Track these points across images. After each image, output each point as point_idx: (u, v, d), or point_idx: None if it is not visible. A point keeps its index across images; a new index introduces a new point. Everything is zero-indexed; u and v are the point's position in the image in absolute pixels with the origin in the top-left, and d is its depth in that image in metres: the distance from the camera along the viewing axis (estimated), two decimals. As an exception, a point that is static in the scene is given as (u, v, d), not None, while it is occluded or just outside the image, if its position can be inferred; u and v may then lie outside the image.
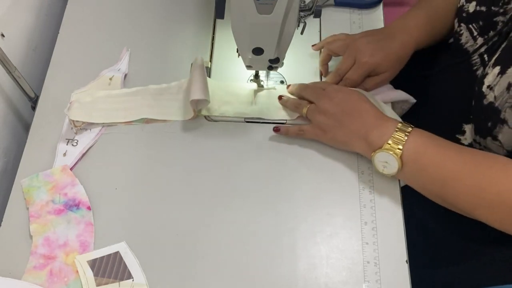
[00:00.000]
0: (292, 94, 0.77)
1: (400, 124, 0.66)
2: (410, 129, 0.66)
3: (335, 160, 0.73)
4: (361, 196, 0.71)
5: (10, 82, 0.78)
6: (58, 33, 0.84)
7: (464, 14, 0.72)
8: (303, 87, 0.76)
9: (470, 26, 0.71)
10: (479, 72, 0.69)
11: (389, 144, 0.65)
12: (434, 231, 0.81)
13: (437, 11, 0.77)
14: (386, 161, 0.66)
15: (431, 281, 0.82)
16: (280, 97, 0.77)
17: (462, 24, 0.73)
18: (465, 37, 0.73)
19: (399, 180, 0.71)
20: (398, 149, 0.65)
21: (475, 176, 0.61)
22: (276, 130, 0.74)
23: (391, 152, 0.65)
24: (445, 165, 0.63)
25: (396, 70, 0.77)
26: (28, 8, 0.85)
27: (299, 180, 0.72)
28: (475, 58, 0.71)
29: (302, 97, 0.76)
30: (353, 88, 0.74)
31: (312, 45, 0.82)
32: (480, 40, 0.70)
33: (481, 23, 0.70)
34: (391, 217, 0.69)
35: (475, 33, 0.71)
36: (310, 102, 0.74)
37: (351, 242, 0.68)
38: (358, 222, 0.69)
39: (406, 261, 0.67)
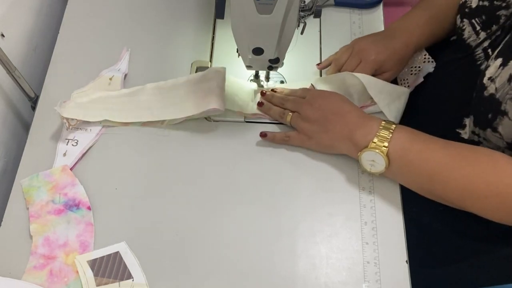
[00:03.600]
0: (275, 105, 0.77)
1: (383, 122, 0.67)
2: (393, 126, 0.67)
3: (335, 160, 0.73)
4: (361, 196, 0.71)
5: (10, 82, 0.78)
6: (58, 33, 0.84)
7: (466, 10, 0.73)
8: (284, 99, 0.76)
9: (473, 21, 0.71)
10: (483, 66, 0.69)
11: (375, 142, 0.66)
12: (434, 231, 0.81)
13: (438, 11, 0.78)
14: (373, 159, 0.67)
15: (431, 281, 0.82)
16: (260, 103, 0.77)
17: (464, 20, 0.73)
18: (467, 32, 0.73)
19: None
20: (384, 146, 0.65)
21: (463, 168, 0.63)
22: (262, 135, 0.75)
23: (377, 151, 0.66)
24: (432, 158, 0.64)
25: (398, 70, 0.78)
26: (28, 8, 0.85)
27: (299, 180, 0.72)
28: (479, 53, 0.71)
29: (285, 108, 0.76)
30: (333, 91, 0.75)
31: (317, 64, 0.82)
32: (482, 35, 0.70)
33: (483, 17, 0.70)
34: (391, 217, 0.69)
35: (478, 28, 0.71)
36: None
37: (351, 242, 0.68)
38: (358, 222, 0.69)
39: (406, 261, 0.67)
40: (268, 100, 0.77)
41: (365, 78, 0.74)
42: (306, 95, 0.74)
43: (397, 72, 0.78)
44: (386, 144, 0.65)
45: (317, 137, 0.72)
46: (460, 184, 0.63)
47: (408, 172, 0.66)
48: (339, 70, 0.78)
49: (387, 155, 0.65)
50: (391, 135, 0.66)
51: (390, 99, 0.74)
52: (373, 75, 0.76)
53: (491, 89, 0.64)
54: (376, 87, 0.74)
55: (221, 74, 0.75)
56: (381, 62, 0.75)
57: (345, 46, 0.80)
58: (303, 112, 0.73)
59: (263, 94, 0.77)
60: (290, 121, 0.74)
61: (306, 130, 0.72)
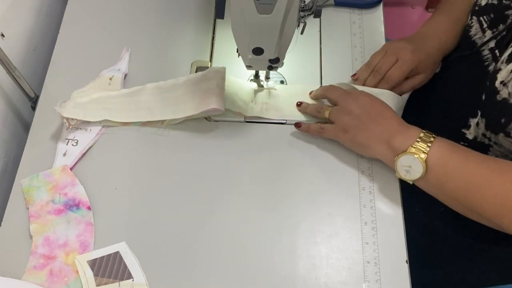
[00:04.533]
0: (315, 98, 0.77)
1: (424, 131, 0.66)
2: (434, 136, 0.65)
3: (335, 160, 0.73)
4: (361, 196, 0.71)
5: (10, 82, 0.78)
6: (58, 33, 0.84)
7: (476, 7, 0.73)
8: (327, 87, 0.76)
9: (481, 18, 0.71)
10: (491, 67, 0.69)
11: (414, 147, 0.64)
12: (434, 231, 0.81)
13: (460, 13, 0.78)
14: (410, 165, 0.65)
15: (431, 281, 0.82)
16: (299, 104, 0.77)
17: (473, 17, 0.73)
18: (474, 29, 0.73)
19: (399, 180, 0.71)
20: (424, 152, 0.64)
21: (501, 184, 0.60)
22: (297, 126, 0.74)
23: (416, 156, 0.64)
24: (472, 171, 0.62)
25: (431, 73, 0.78)
26: (28, 8, 0.85)
27: (299, 180, 0.72)
28: (486, 53, 0.71)
29: (326, 98, 0.76)
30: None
31: (352, 76, 0.80)
32: (488, 33, 0.70)
33: (492, 15, 0.70)
34: (391, 217, 0.69)
35: (485, 25, 0.71)
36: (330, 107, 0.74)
37: (351, 242, 0.68)
38: (358, 222, 0.69)
39: (406, 261, 0.67)
40: (312, 97, 0.77)
41: (383, 92, 0.74)
42: (351, 90, 0.73)
43: (429, 75, 0.78)
44: (426, 150, 0.64)
45: (354, 133, 0.70)
46: (498, 200, 0.60)
47: (445, 182, 0.64)
48: (372, 71, 0.77)
49: (426, 161, 0.63)
50: (431, 144, 0.64)
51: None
52: (407, 77, 0.76)
53: (503, 93, 0.64)
54: (390, 99, 0.74)
55: (221, 74, 0.75)
56: (418, 62, 0.75)
57: (376, 51, 0.78)
58: (347, 104, 0.71)
59: (299, 105, 0.77)
60: (329, 115, 0.72)
61: (344, 123, 0.71)
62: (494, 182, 0.61)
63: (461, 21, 0.78)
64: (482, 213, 0.62)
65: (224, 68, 0.75)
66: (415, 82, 0.77)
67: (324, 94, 0.76)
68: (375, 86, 0.76)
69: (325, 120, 0.74)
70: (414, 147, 0.64)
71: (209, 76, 0.75)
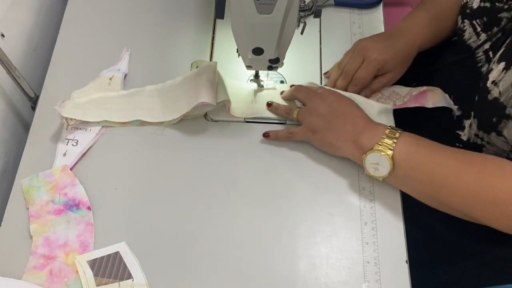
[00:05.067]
0: (285, 99, 0.78)
1: (389, 128, 0.67)
2: (400, 131, 0.66)
3: (335, 160, 0.73)
4: (361, 196, 0.71)
5: (10, 82, 0.78)
6: (58, 33, 0.84)
7: (468, 11, 0.73)
8: (296, 87, 0.76)
9: (474, 22, 0.71)
10: (484, 69, 0.69)
11: (380, 144, 0.65)
12: (434, 231, 0.81)
13: (440, 12, 0.78)
14: (378, 162, 0.66)
15: (431, 281, 0.82)
16: (269, 104, 0.77)
17: (465, 21, 0.73)
18: (468, 33, 0.73)
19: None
20: (390, 149, 0.65)
21: (470, 175, 0.61)
22: (265, 136, 0.75)
23: (382, 153, 0.65)
24: (439, 164, 0.63)
25: (401, 71, 0.78)
26: (28, 8, 0.85)
27: (299, 180, 0.72)
28: (480, 55, 0.71)
29: (295, 99, 0.76)
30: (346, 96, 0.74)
31: (324, 73, 0.81)
32: (483, 36, 0.70)
33: (485, 19, 0.70)
34: (391, 217, 0.69)
35: (479, 29, 0.71)
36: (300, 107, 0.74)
37: (351, 242, 0.68)
38: (358, 222, 0.69)
39: (406, 261, 0.67)
40: (283, 97, 0.77)
41: (353, 96, 0.74)
42: (319, 90, 0.73)
43: (399, 74, 0.77)
44: (392, 146, 0.65)
45: (322, 133, 0.71)
46: (466, 191, 0.61)
47: (413, 177, 0.65)
48: (342, 71, 0.77)
49: (392, 157, 0.65)
50: (397, 140, 0.65)
51: (376, 116, 0.74)
52: (376, 75, 0.76)
53: (495, 92, 0.64)
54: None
55: (212, 68, 0.74)
56: (384, 61, 0.75)
57: (347, 50, 0.79)
58: (313, 104, 0.72)
59: (269, 105, 0.77)
60: (297, 115, 0.73)
61: (312, 124, 0.71)
62: (463, 174, 0.62)
63: (440, 19, 0.77)
64: (452, 206, 0.64)
65: (215, 63, 0.75)
66: (383, 81, 0.77)
67: (293, 95, 0.76)
68: (345, 89, 0.77)
69: (296, 122, 0.74)
70: (380, 144, 0.65)
71: (200, 72, 0.75)
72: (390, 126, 0.67)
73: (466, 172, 0.62)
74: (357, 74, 0.75)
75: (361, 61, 0.75)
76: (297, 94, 0.75)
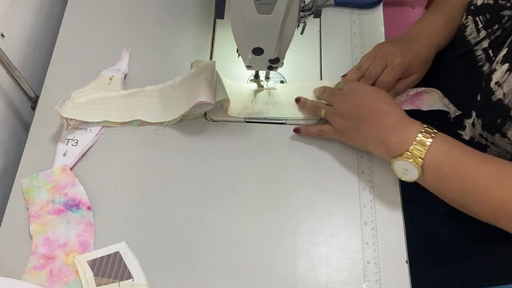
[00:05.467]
0: (317, 98, 0.77)
1: (423, 130, 0.63)
2: (433, 135, 0.63)
3: (335, 160, 0.73)
4: (361, 196, 0.71)
5: (10, 82, 0.78)
6: (58, 33, 0.84)
7: (472, 7, 0.73)
8: (322, 89, 0.76)
9: (477, 18, 0.71)
10: (485, 68, 0.69)
11: (410, 152, 0.63)
12: (434, 231, 0.81)
13: (453, 11, 0.78)
14: (406, 168, 0.64)
15: (430, 281, 0.82)
16: (298, 99, 0.77)
17: (469, 17, 0.73)
18: (469, 29, 0.73)
19: (399, 180, 0.71)
20: (420, 157, 0.62)
21: (499, 189, 0.60)
22: (296, 131, 0.74)
23: (411, 161, 0.62)
24: (468, 176, 0.61)
25: (423, 72, 0.77)
26: (28, 8, 0.85)
27: (299, 180, 0.72)
28: (479, 53, 0.71)
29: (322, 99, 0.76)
30: (374, 87, 0.72)
31: (342, 76, 0.78)
32: (483, 33, 0.70)
33: (488, 16, 0.70)
34: (391, 217, 0.69)
35: (480, 25, 0.71)
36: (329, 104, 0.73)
37: (351, 242, 0.68)
38: (358, 222, 0.69)
39: (406, 261, 0.67)
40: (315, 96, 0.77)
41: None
42: (344, 88, 0.72)
43: (422, 74, 0.77)
44: (422, 155, 0.62)
45: (351, 135, 0.69)
46: (495, 205, 0.60)
47: (442, 186, 0.64)
48: (363, 74, 0.76)
49: (422, 167, 0.62)
50: (428, 146, 0.62)
51: None
52: (400, 79, 0.75)
53: (499, 94, 0.64)
54: None
55: (210, 67, 0.74)
56: (408, 64, 0.74)
57: (366, 54, 0.78)
58: (337, 106, 0.70)
59: (297, 100, 0.77)
60: (325, 115, 0.72)
61: (339, 126, 0.70)
62: (492, 188, 0.60)
63: (454, 19, 0.77)
64: (478, 214, 0.63)
65: (214, 62, 0.75)
66: (407, 82, 0.76)
67: (319, 96, 0.76)
68: None
69: (324, 119, 0.74)
70: (410, 152, 0.63)
71: (199, 71, 0.75)
72: (423, 128, 0.64)
73: (496, 186, 0.60)
74: (381, 78, 0.74)
75: (384, 65, 0.74)
76: (322, 95, 0.75)
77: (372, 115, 0.67)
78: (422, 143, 0.62)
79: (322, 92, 0.75)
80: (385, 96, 0.69)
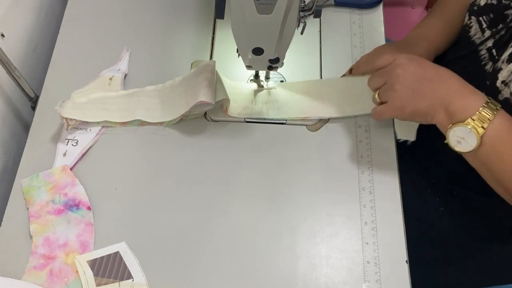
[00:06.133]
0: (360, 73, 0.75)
1: (489, 100, 0.60)
2: (498, 107, 0.60)
3: (335, 160, 0.73)
4: (361, 196, 0.71)
5: (10, 82, 0.78)
6: (58, 33, 0.84)
7: (475, 7, 0.73)
8: (369, 70, 0.71)
9: (480, 18, 0.71)
10: (488, 67, 0.69)
11: (473, 119, 0.59)
12: (434, 231, 0.81)
13: (452, 16, 0.78)
14: (463, 137, 0.60)
15: (431, 281, 0.82)
16: (350, 70, 0.75)
17: (472, 17, 0.73)
18: (474, 29, 0.73)
19: (399, 180, 0.71)
20: (482, 127, 0.59)
21: None
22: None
23: (472, 127, 0.59)
24: None
25: None
26: (28, 8, 0.85)
27: (299, 180, 0.72)
28: (483, 53, 0.71)
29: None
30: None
31: (347, 73, 0.78)
32: (487, 33, 0.70)
33: (491, 15, 0.70)
34: (391, 217, 0.69)
35: (484, 26, 0.71)
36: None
37: (351, 242, 0.68)
38: (358, 222, 0.69)
39: (406, 261, 0.67)
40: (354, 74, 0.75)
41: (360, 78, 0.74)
42: (395, 58, 0.66)
43: None
44: (485, 125, 0.58)
45: (412, 105, 0.64)
46: None
47: (494, 162, 0.60)
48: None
49: (482, 137, 0.59)
50: (493, 117, 0.58)
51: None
52: None
53: (505, 93, 0.64)
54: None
55: (210, 67, 0.74)
56: None
57: (366, 54, 0.77)
58: (394, 78, 0.65)
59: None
60: (379, 97, 0.68)
61: (397, 100, 0.65)
62: None
63: (454, 22, 0.78)
64: None
65: (214, 62, 0.75)
66: None
67: (368, 81, 0.70)
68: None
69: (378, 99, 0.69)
70: (473, 119, 0.59)
71: (199, 71, 0.75)
72: (489, 99, 0.60)
73: None
74: None
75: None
76: (372, 79, 0.69)
77: (436, 80, 0.63)
78: (487, 113, 0.59)
79: (372, 76, 0.69)
80: (441, 67, 0.65)
